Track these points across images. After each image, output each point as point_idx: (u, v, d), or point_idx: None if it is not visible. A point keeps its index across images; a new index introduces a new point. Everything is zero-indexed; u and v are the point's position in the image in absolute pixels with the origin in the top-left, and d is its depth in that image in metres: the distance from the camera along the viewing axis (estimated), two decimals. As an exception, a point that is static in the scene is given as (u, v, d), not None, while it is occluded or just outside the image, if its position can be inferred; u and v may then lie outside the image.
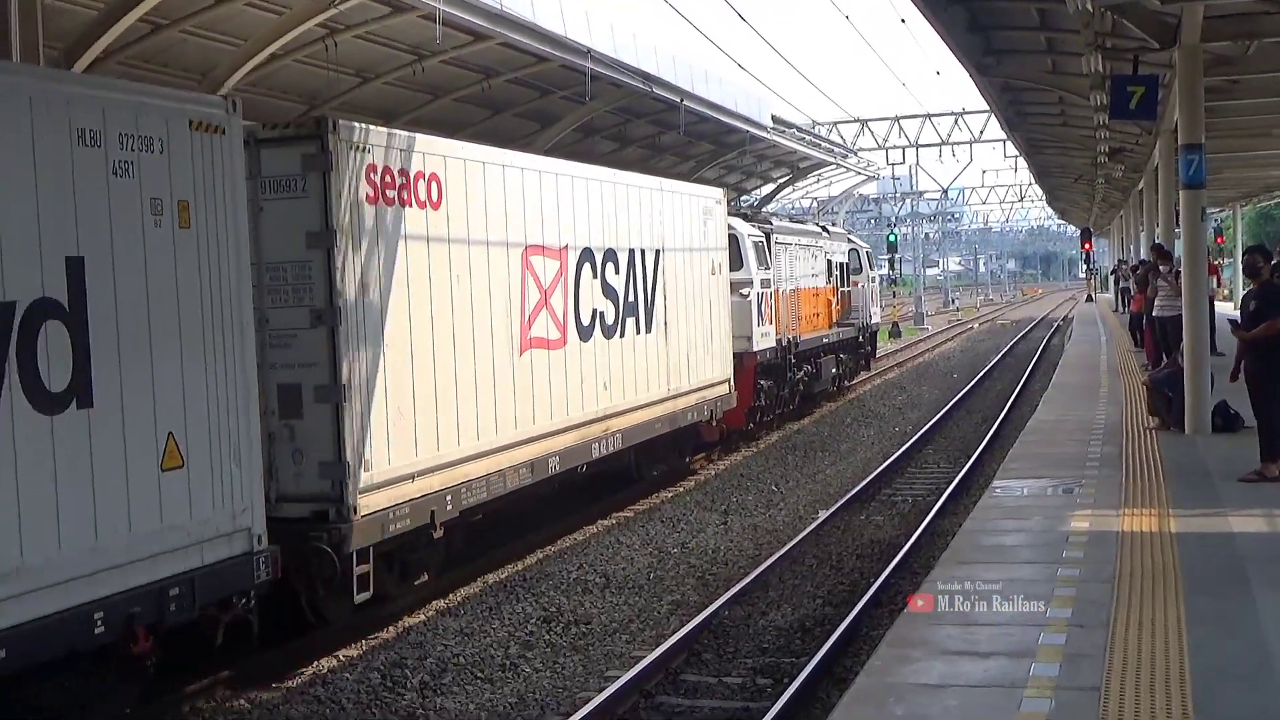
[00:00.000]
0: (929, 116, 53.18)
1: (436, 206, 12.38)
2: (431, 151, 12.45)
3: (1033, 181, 65.96)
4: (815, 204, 65.35)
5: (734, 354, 21.18)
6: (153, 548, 8.60)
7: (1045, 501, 12.36)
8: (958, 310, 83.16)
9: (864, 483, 18.37)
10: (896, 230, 69.65)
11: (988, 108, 37.56)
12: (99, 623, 8.17)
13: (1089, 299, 66.20)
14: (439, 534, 12.45)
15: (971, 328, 63.37)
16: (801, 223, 30.92)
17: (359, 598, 11.35)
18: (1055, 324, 58.27)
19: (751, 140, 33.97)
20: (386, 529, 11.49)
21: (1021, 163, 55.97)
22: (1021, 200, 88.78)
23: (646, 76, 24.66)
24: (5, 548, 7.58)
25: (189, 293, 8.98)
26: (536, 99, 25.24)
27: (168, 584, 8.72)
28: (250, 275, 9.75)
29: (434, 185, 12.34)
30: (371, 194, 11.41)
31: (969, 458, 20.07)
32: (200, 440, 9.03)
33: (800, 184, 52.81)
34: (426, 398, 12.11)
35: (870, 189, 75.44)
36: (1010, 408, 26.25)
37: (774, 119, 35.13)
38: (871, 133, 52.99)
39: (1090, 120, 25.46)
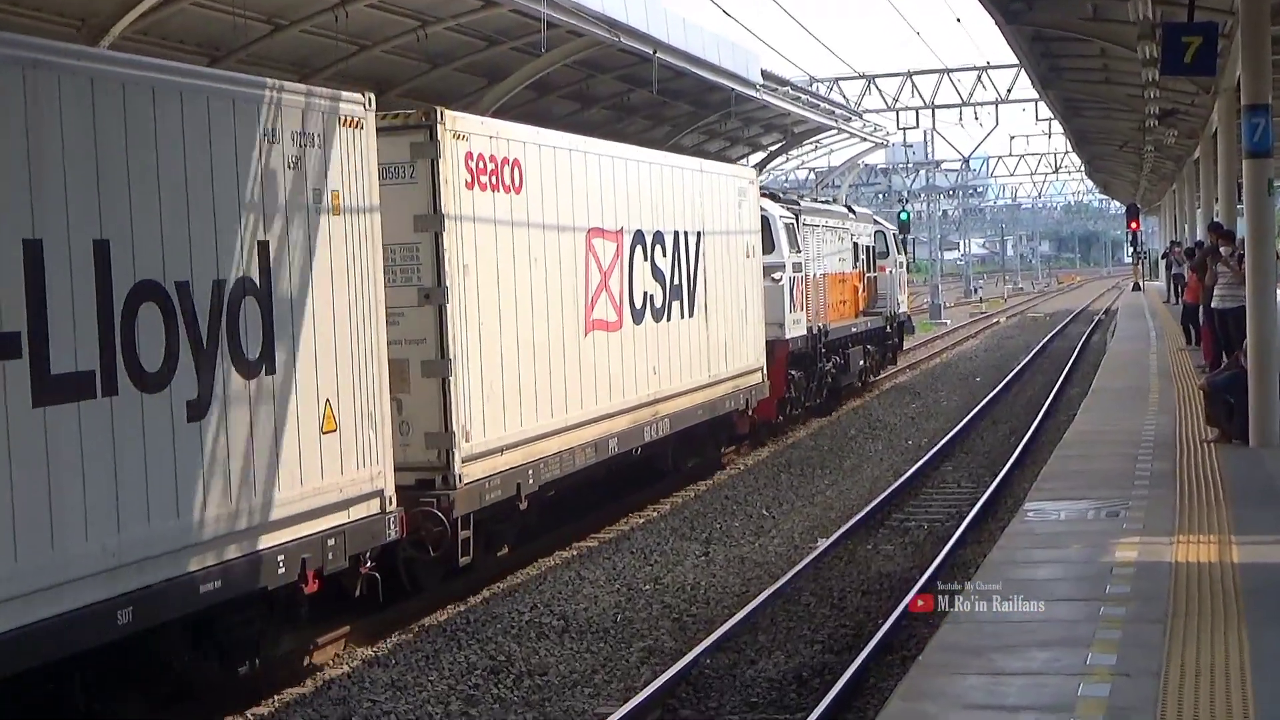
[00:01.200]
0: (947, 72, 53.37)
1: (518, 191, 15.17)
2: (514, 138, 15.30)
3: (1069, 149, 66.34)
4: (813, 176, 65.51)
5: (766, 341, 23.64)
6: (317, 502, 11.47)
7: (1085, 527, 12.38)
8: (981, 301, 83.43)
9: (871, 506, 18.40)
10: (909, 207, 69.85)
11: (1016, 62, 37.71)
12: (281, 564, 11.04)
13: (1136, 287, 66.52)
14: (524, 505, 15.22)
15: (998, 322, 63.56)
16: (827, 202, 33.33)
17: (462, 561, 14.10)
18: (1096, 318, 58.47)
19: (737, 100, 33.97)
20: (483, 498, 14.32)
21: (1056, 127, 56.15)
22: (1056, 172, 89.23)
23: (613, 24, 24.63)
24: (223, 495, 10.44)
25: (339, 273, 11.84)
26: (482, 50, 25.19)
27: (326, 535, 11.59)
28: (382, 257, 12.52)
29: (516, 170, 15.11)
30: (469, 179, 14.17)
31: (995, 476, 20.12)
32: (348, 407, 11.93)
33: (795, 152, 52.86)
34: (511, 375, 14.96)
35: (878, 158, 75.73)
36: (1044, 417, 26.33)
37: (764, 75, 35.13)
38: (879, 91, 53.15)
39: (1138, 76, 25.59)
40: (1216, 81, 24.23)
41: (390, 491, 12.50)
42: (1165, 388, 22.89)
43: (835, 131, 48.59)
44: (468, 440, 14.01)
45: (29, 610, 8.79)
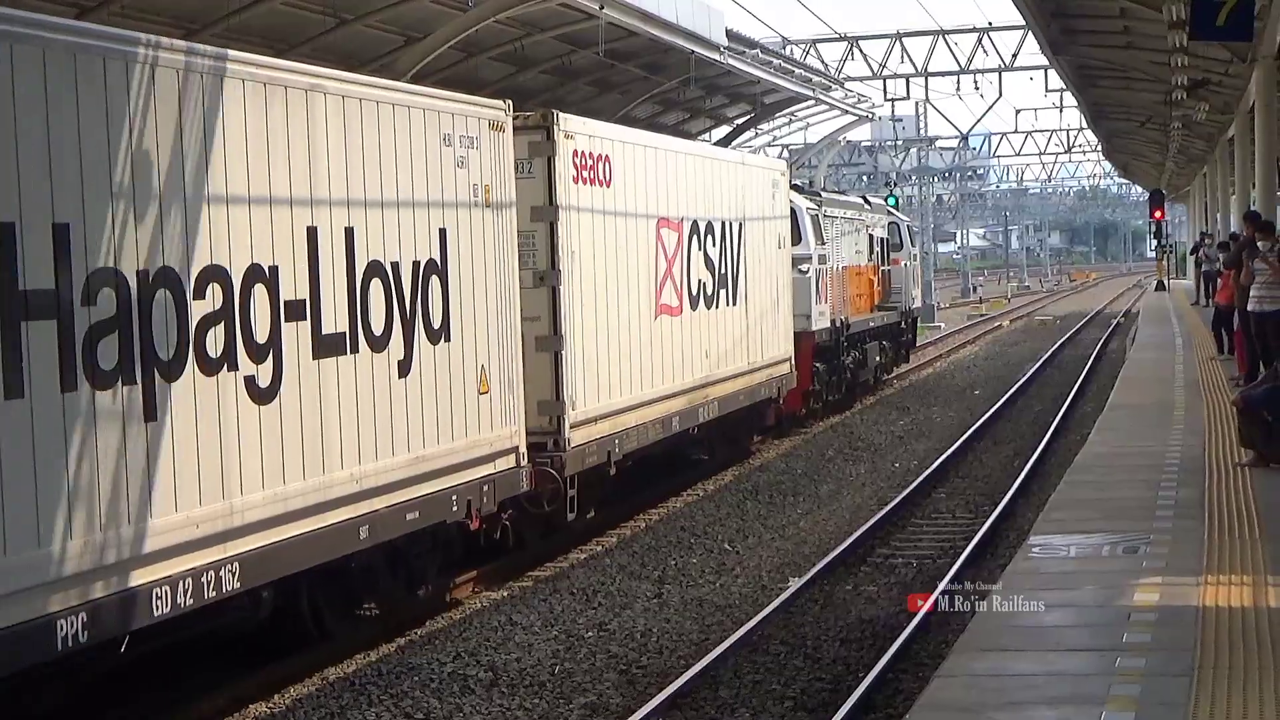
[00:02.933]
0: (942, 34, 53.59)
1: (608, 185, 19.47)
2: (606, 136, 19.83)
3: (1084, 126, 66.77)
4: (786, 153, 65.67)
5: (794, 333, 27.83)
6: (475, 453, 15.74)
7: (1100, 565, 12.46)
8: (981, 302, 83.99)
9: (851, 539, 18.48)
10: (897, 191, 70.21)
11: (1022, 23, 37.92)
12: (455, 503, 15.26)
13: (1160, 286, 67.03)
14: (613, 472, 19.51)
15: (1000, 326, 63.93)
16: (843, 193, 38.68)
17: (570, 517, 18.54)
18: (1114, 321, 58.91)
19: (698, 65, 34.04)
20: (584, 461, 18.51)
21: (1070, 99, 56.55)
22: (1068, 152, 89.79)
23: (553, -27, 24.66)
24: (419, 440, 14.69)
25: (489, 256, 16.19)
26: (399, 3, 25.18)
27: (482, 482, 15.86)
28: (515, 242, 16.84)
29: (607, 166, 19.42)
30: (575, 175, 18.43)
31: (996, 505, 20.25)
32: (496, 372, 16.22)
33: (765, 126, 52.99)
34: (604, 351, 19.16)
35: (862, 133, 76.01)
36: (1052, 436, 26.50)
37: (730, 36, 35.22)
38: (864, 56, 53.29)
39: (1164, 41, 25.77)
40: (1254, 47, 24.47)
41: (523, 449, 16.83)
42: (1193, 403, 23.06)
43: (812, 102, 48.71)
44: (574, 409, 18.17)
45: (311, 520, 12.86)
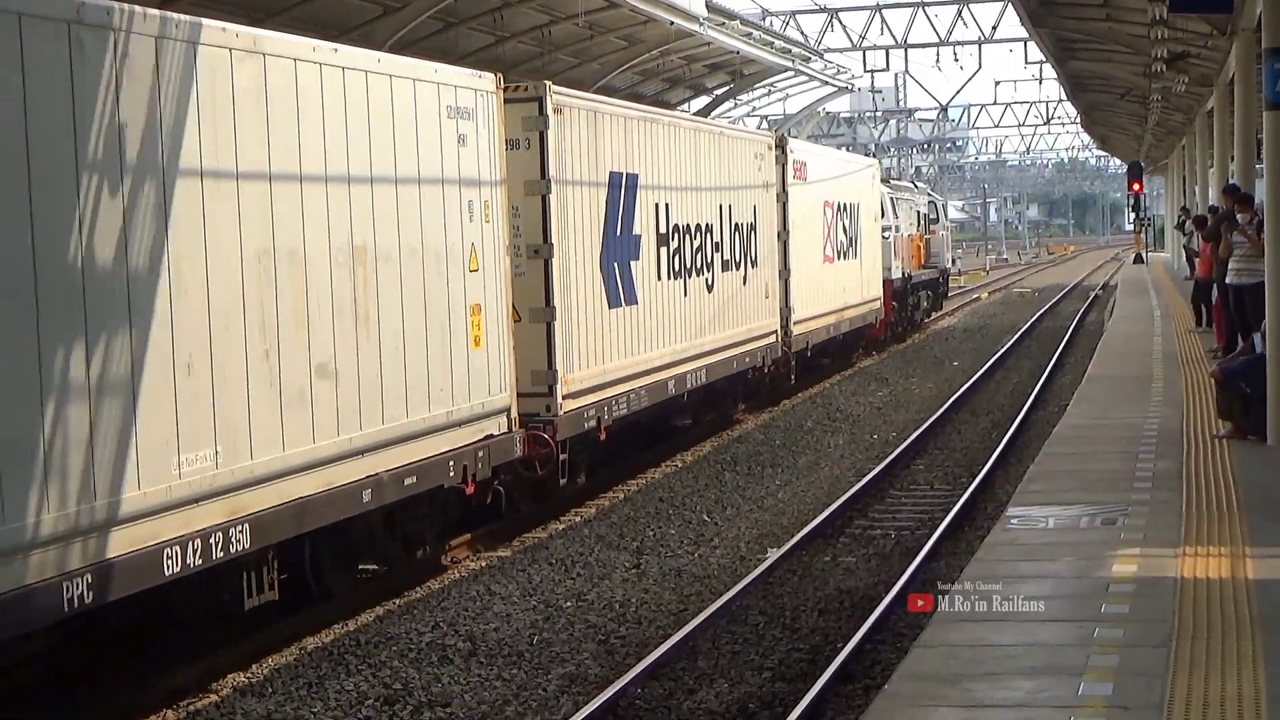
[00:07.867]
0: (922, 5, 53.60)
1: (805, 180, 31.46)
2: (803, 150, 32.77)
3: (1064, 98, 66.74)
4: (765, 124, 65.56)
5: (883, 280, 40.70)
6: (762, 331, 28.12)
7: (1078, 537, 12.49)
8: (960, 274, 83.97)
9: (829, 510, 18.49)
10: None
11: (1003, -5, 37.83)
12: (759, 356, 27.82)
13: (1138, 259, 67.10)
14: (809, 354, 31.97)
15: (978, 298, 64.01)
16: (899, 179, 53.03)
17: (792, 380, 30.78)
18: (1093, 294, 58.98)
19: (677, 36, 33.98)
20: (798, 345, 30.43)
21: (1049, 71, 56.52)
22: (1048, 124, 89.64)
23: (532, -56, 24.59)
24: (748, 321, 27.17)
25: (770, 221, 29.24)
26: (377, -27, 25.10)
27: (765, 348, 28.17)
28: (775, 213, 29.84)
29: (805, 168, 31.56)
30: (793, 174, 30.38)
31: (974, 476, 20.27)
32: (772, 289, 29.12)
33: (744, 97, 52.92)
34: (805, 281, 31.13)
35: (841, 104, 75.97)
36: (1030, 408, 26.55)
37: (709, 7, 35.17)
38: (844, 27, 53.32)
39: (1143, 14, 25.76)
40: (1234, 20, 24.43)
41: (779, 334, 28.93)
42: (1171, 375, 23.12)
43: (791, 74, 48.64)
44: (794, 313, 30.08)
45: (721, 354, 25.14)
